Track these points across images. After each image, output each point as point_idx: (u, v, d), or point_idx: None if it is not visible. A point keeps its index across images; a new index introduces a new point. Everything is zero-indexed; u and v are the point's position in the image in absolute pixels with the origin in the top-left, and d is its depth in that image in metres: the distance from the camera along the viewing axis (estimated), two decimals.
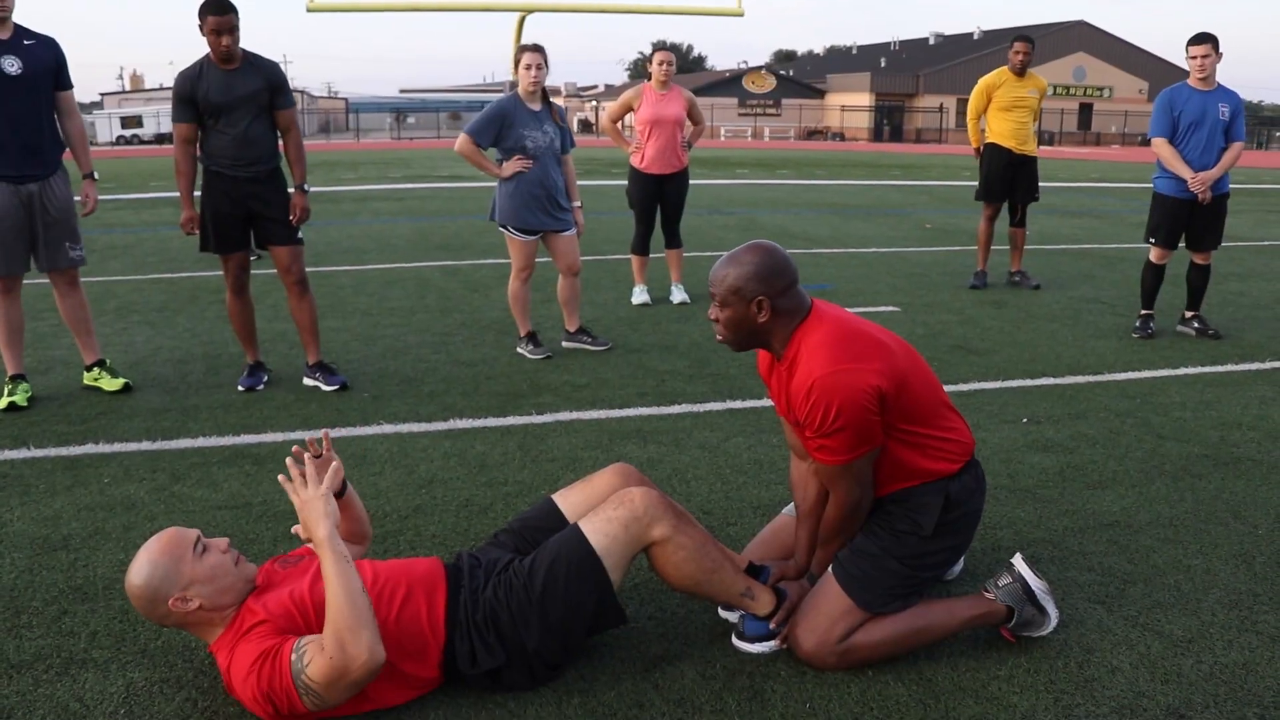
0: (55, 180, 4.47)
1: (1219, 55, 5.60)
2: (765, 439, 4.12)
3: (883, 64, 63.16)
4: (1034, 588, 2.48)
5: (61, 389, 4.80)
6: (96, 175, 4.77)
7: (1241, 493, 3.57)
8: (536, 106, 5.20)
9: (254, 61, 4.45)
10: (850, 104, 57.29)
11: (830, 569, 2.49)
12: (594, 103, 69.43)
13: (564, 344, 5.70)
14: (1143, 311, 6.15)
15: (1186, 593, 2.82)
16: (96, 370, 4.76)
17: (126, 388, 4.74)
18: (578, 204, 5.47)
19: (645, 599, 2.75)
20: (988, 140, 7.51)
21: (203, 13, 4.27)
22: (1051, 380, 5.06)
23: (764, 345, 2.43)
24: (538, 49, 5.15)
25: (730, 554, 2.53)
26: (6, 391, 4.48)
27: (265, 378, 4.89)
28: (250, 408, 4.52)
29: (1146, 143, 6.41)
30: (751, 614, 2.49)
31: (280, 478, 2.25)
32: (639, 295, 7.00)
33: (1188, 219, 5.83)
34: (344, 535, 2.52)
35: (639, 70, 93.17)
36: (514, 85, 5.31)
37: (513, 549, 2.54)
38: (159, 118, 50.20)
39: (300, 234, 4.69)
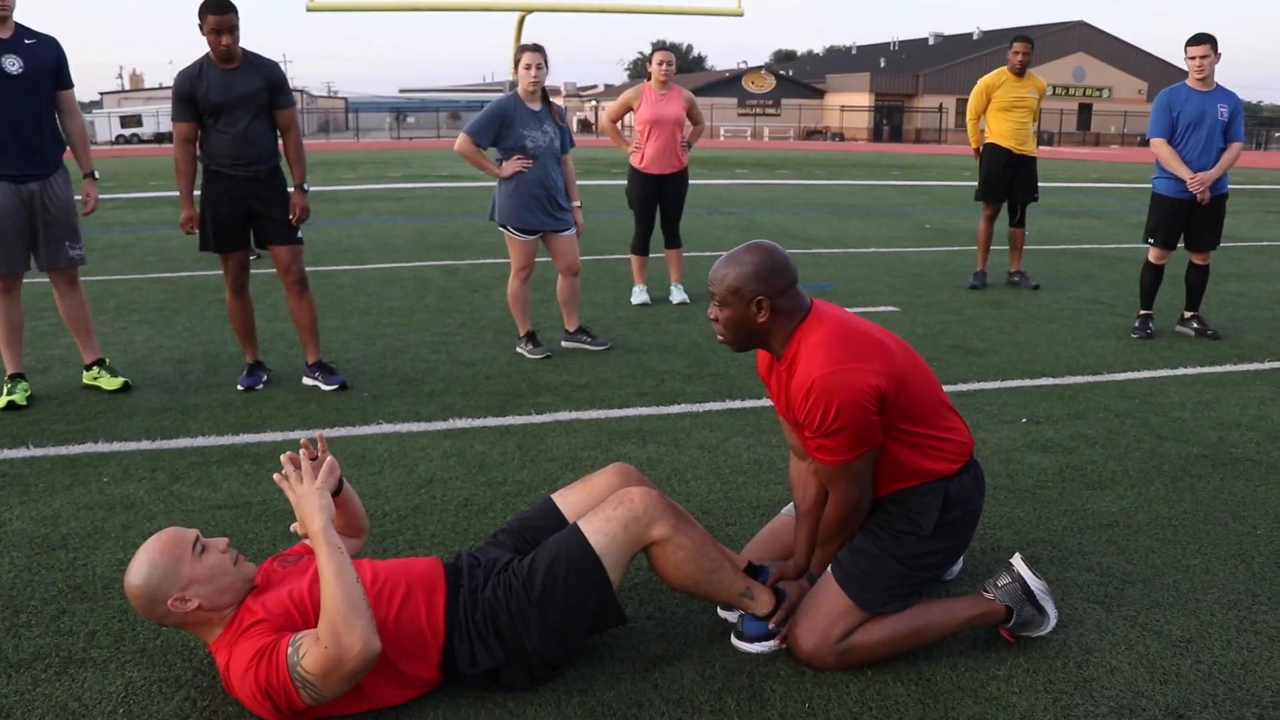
0: (56, 179, 4.47)
1: (1218, 56, 5.60)
2: (764, 439, 4.12)
3: (882, 64, 63.17)
4: (1033, 588, 2.48)
5: (61, 388, 4.79)
6: (97, 174, 4.77)
7: (1240, 493, 3.57)
8: (536, 106, 5.20)
9: (254, 61, 4.45)
10: (850, 104, 57.30)
11: (829, 569, 2.50)
12: (593, 103, 69.44)
13: (563, 344, 5.70)
14: (1142, 312, 6.15)
15: (1185, 593, 2.82)
16: (96, 369, 4.76)
17: (126, 387, 4.74)
18: (577, 204, 5.47)
19: (644, 599, 2.75)
20: (987, 140, 7.51)
21: (202, 12, 4.27)
22: (1051, 380, 5.07)
23: (763, 345, 2.43)
24: (538, 49, 5.15)
25: (729, 554, 2.53)
26: (6, 390, 4.47)
27: (264, 377, 4.89)
28: (249, 407, 4.52)
29: (1145, 143, 6.40)
30: (751, 614, 2.49)
31: (276, 476, 2.26)
32: (638, 295, 7.00)
33: (1186, 219, 5.83)
34: (340, 529, 2.53)
35: (639, 70, 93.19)
36: (514, 85, 5.31)
37: (512, 549, 2.54)
38: (158, 117, 50.18)
39: (300, 233, 4.69)
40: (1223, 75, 5.83)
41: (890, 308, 6.88)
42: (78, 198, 4.61)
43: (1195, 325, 6.10)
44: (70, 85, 4.52)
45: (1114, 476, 3.72)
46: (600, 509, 2.37)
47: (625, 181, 6.99)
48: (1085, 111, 56.75)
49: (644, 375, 5.10)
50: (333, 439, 4.08)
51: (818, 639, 2.38)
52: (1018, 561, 2.53)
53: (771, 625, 2.48)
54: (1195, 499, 3.51)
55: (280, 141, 4.64)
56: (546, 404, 4.60)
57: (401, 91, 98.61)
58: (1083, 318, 6.63)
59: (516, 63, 5.19)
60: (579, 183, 5.90)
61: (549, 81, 5.35)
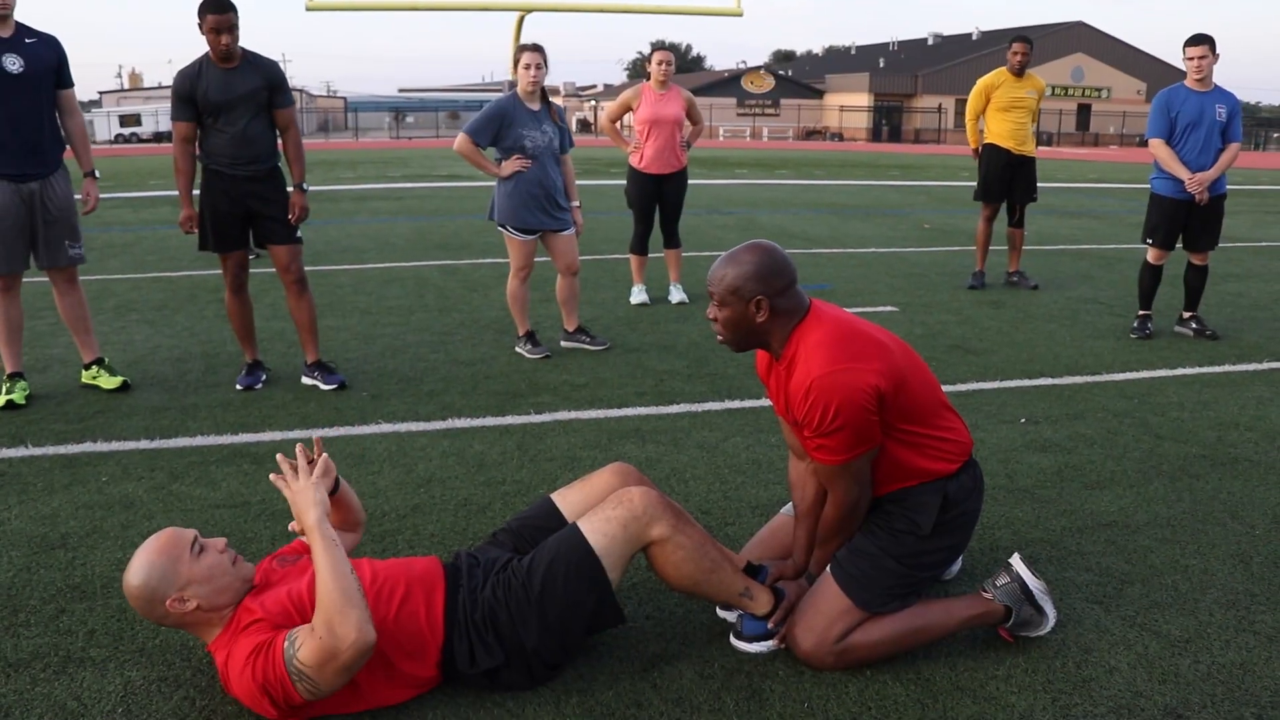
0: (56, 179, 4.47)
1: (1216, 56, 5.61)
2: (763, 439, 4.12)
3: (881, 64, 63.17)
4: (1032, 587, 2.48)
5: (60, 387, 4.79)
6: (98, 173, 4.77)
7: (1239, 493, 3.58)
8: (535, 106, 5.20)
9: (253, 60, 4.45)
10: (849, 104, 57.31)
11: (828, 569, 2.50)
12: (593, 102, 69.43)
13: (562, 343, 5.70)
14: (1140, 312, 6.15)
15: (1184, 593, 2.82)
16: (95, 368, 4.76)
17: (125, 386, 4.74)
18: (576, 204, 5.47)
19: (644, 598, 2.75)
20: (986, 141, 7.51)
21: (202, 11, 4.27)
22: (1049, 380, 5.07)
23: (763, 345, 2.43)
24: (537, 49, 5.15)
25: (728, 554, 2.53)
26: (5, 390, 4.47)
27: (264, 376, 4.89)
28: (249, 406, 4.52)
29: (1144, 143, 6.40)
30: (750, 613, 2.49)
31: (272, 475, 2.26)
32: (637, 295, 7.00)
33: (1185, 219, 5.84)
34: (336, 525, 2.53)
35: (638, 70, 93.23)
36: (513, 85, 5.31)
37: (511, 548, 2.54)
38: (157, 116, 50.16)
39: (299, 233, 4.69)
40: (1221, 76, 5.86)
41: (889, 308, 6.89)
42: (78, 197, 4.61)
43: (1194, 325, 6.10)
44: (71, 84, 4.52)
45: (1113, 476, 3.73)
46: (599, 509, 2.37)
47: (624, 181, 6.99)
48: (1084, 112, 56.77)
49: (643, 375, 5.10)
50: (332, 438, 4.09)
51: (816, 639, 2.39)
52: (1016, 561, 2.53)
53: (770, 625, 2.48)
54: (1194, 499, 3.51)
55: (279, 141, 4.64)
56: (546, 403, 4.60)
57: (400, 91, 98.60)
58: (1081, 318, 6.63)
59: (516, 62, 5.19)
60: (578, 183, 5.90)
61: (548, 81, 5.35)
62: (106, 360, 4.84)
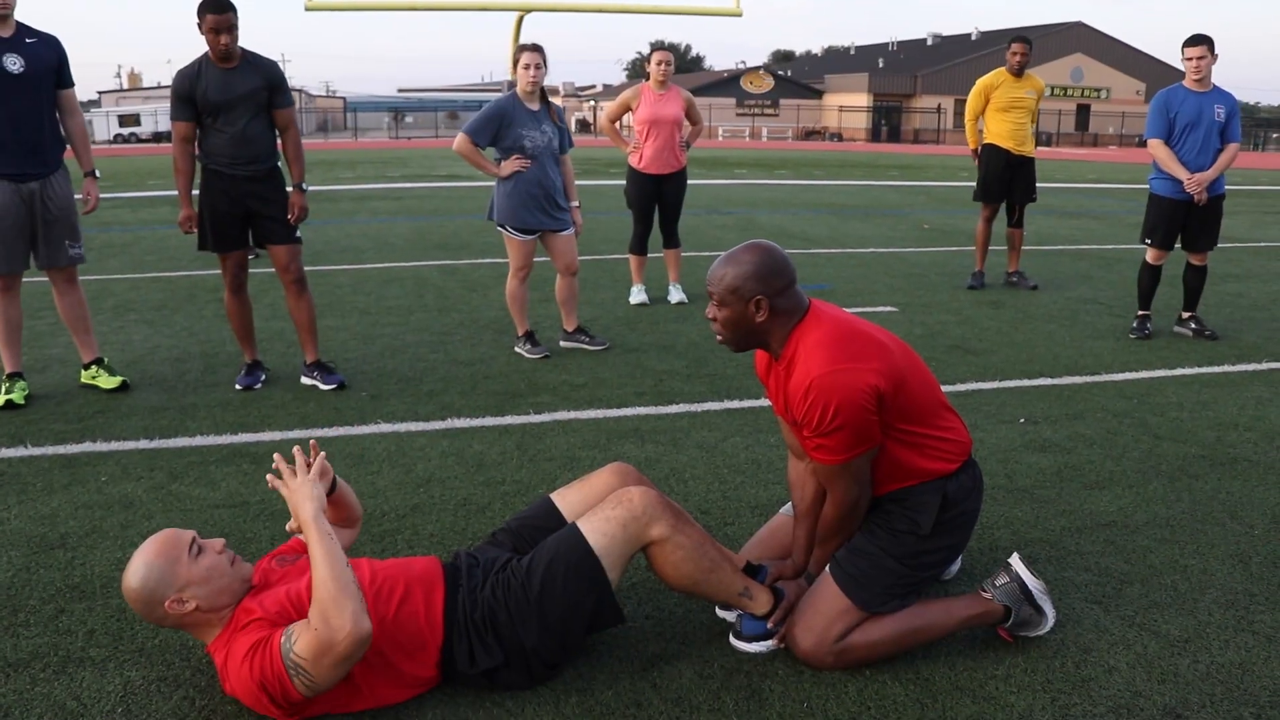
0: (56, 178, 4.47)
1: (1214, 57, 5.61)
2: (763, 439, 4.12)
3: (881, 64, 63.18)
4: (1031, 587, 2.48)
5: (59, 387, 4.79)
6: (98, 173, 4.77)
7: (1238, 493, 3.58)
8: (535, 106, 5.20)
9: (252, 60, 4.45)
10: (848, 104, 57.31)
11: (828, 568, 2.50)
12: (592, 102, 69.44)
13: (562, 343, 5.70)
14: (1140, 312, 6.16)
15: (1183, 593, 2.82)
16: (94, 368, 4.76)
17: (124, 386, 4.74)
18: (576, 204, 5.47)
19: (643, 598, 2.75)
20: (985, 141, 7.52)
21: (201, 11, 4.27)
22: (1049, 380, 5.07)
23: (762, 345, 2.44)
24: (537, 48, 5.15)
25: (728, 553, 2.54)
26: (4, 389, 4.47)
27: (263, 376, 4.89)
28: (248, 406, 4.51)
29: (1143, 144, 6.40)
30: (749, 613, 2.49)
31: (269, 477, 2.27)
32: (637, 295, 7.00)
33: (1184, 220, 5.84)
34: (334, 522, 2.54)
35: (637, 70, 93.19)
36: (512, 85, 5.31)
37: (511, 548, 2.54)
38: (156, 116, 50.14)
39: (298, 233, 4.69)
40: (1220, 76, 5.87)
41: (889, 308, 6.89)
42: (78, 196, 4.61)
43: (1193, 326, 6.11)
44: (71, 84, 4.52)
45: (1112, 476, 3.73)
46: (599, 509, 2.37)
47: (624, 181, 6.99)
48: (1083, 112, 56.79)
49: (642, 375, 5.10)
50: (331, 438, 4.09)
51: (816, 638, 2.39)
52: (1016, 561, 2.53)
53: (770, 625, 2.48)
54: (1193, 499, 3.51)
55: (279, 141, 4.64)
56: (545, 403, 4.60)
57: (400, 91, 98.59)
58: (1081, 318, 6.63)
59: (515, 62, 5.19)
60: (577, 183, 5.90)
61: (547, 81, 5.35)
62: (106, 360, 4.84)
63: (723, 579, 2.43)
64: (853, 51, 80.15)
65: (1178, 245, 5.97)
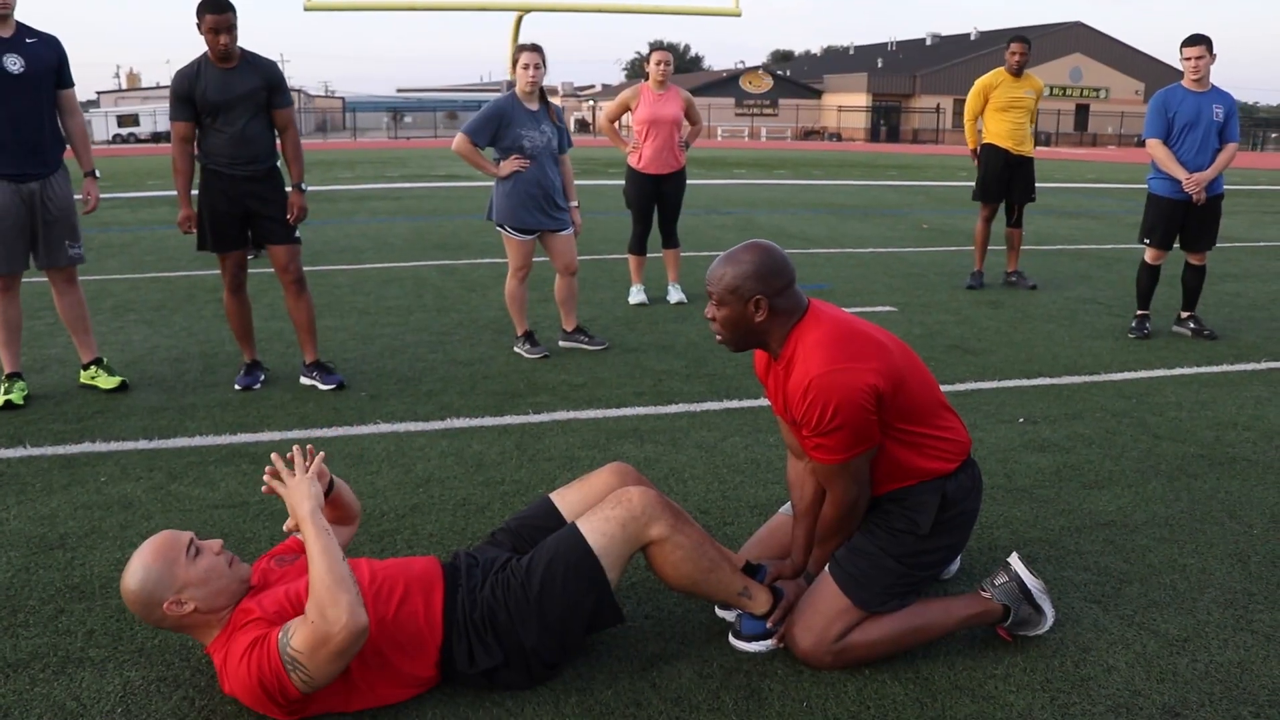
0: (56, 178, 4.47)
1: (1212, 57, 5.62)
2: (762, 438, 4.12)
3: (880, 64, 63.18)
4: (1030, 587, 2.48)
5: (58, 387, 4.79)
6: (98, 173, 4.77)
7: (1237, 492, 3.58)
8: (534, 106, 5.20)
9: (252, 60, 4.45)
10: (847, 104, 57.32)
11: (827, 568, 2.50)
12: (591, 102, 69.43)
13: (561, 343, 5.70)
14: (1138, 312, 6.16)
15: (1182, 592, 2.83)
16: (93, 368, 4.75)
17: (123, 386, 4.74)
18: (575, 204, 5.47)
19: (642, 598, 2.75)
20: (985, 141, 7.52)
21: (200, 11, 4.27)
22: (1048, 380, 5.07)
23: (761, 344, 2.44)
24: (536, 48, 5.15)
25: (727, 553, 2.54)
26: (3, 390, 4.47)
27: (262, 377, 4.89)
28: (247, 407, 4.51)
29: (1142, 144, 6.40)
30: (749, 613, 2.49)
31: (266, 473, 2.27)
32: (636, 295, 7.00)
33: (1182, 220, 5.85)
34: (332, 520, 2.54)
35: (636, 70, 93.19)
36: (511, 85, 5.31)
37: (510, 548, 2.55)
38: (155, 116, 50.12)
39: (298, 233, 4.69)
40: (1219, 76, 5.87)
41: (888, 308, 6.89)
42: (78, 197, 4.61)
43: (1192, 325, 6.11)
44: (71, 84, 4.52)
45: (1111, 476, 3.73)
46: (598, 508, 2.37)
47: (623, 181, 6.99)
48: (1082, 112, 56.81)
49: (641, 375, 5.10)
50: (330, 439, 4.09)
51: (815, 638, 2.39)
52: (1015, 561, 2.54)
53: (769, 624, 2.48)
54: (1192, 498, 3.52)
55: (278, 141, 4.64)
56: (544, 403, 4.60)
57: (399, 91, 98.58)
58: (1080, 318, 6.64)
59: (514, 62, 5.19)
60: (577, 183, 5.90)
61: (546, 81, 5.35)
62: (105, 360, 4.84)
63: (722, 578, 2.43)
64: (852, 51, 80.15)
65: (1176, 245, 5.98)
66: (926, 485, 2.45)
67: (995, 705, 2.29)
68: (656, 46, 7.03)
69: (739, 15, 25.12)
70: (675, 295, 7.03)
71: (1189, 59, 5.63)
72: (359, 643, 2.06)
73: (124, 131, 51.29)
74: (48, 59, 4.34)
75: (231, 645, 2.15)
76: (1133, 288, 6.63)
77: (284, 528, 2.28)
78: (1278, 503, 3.49)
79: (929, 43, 68.83)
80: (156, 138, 49.09)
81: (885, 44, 74.62)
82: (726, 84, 59.45)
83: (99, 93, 72.65)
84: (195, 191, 4.56)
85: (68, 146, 4.56)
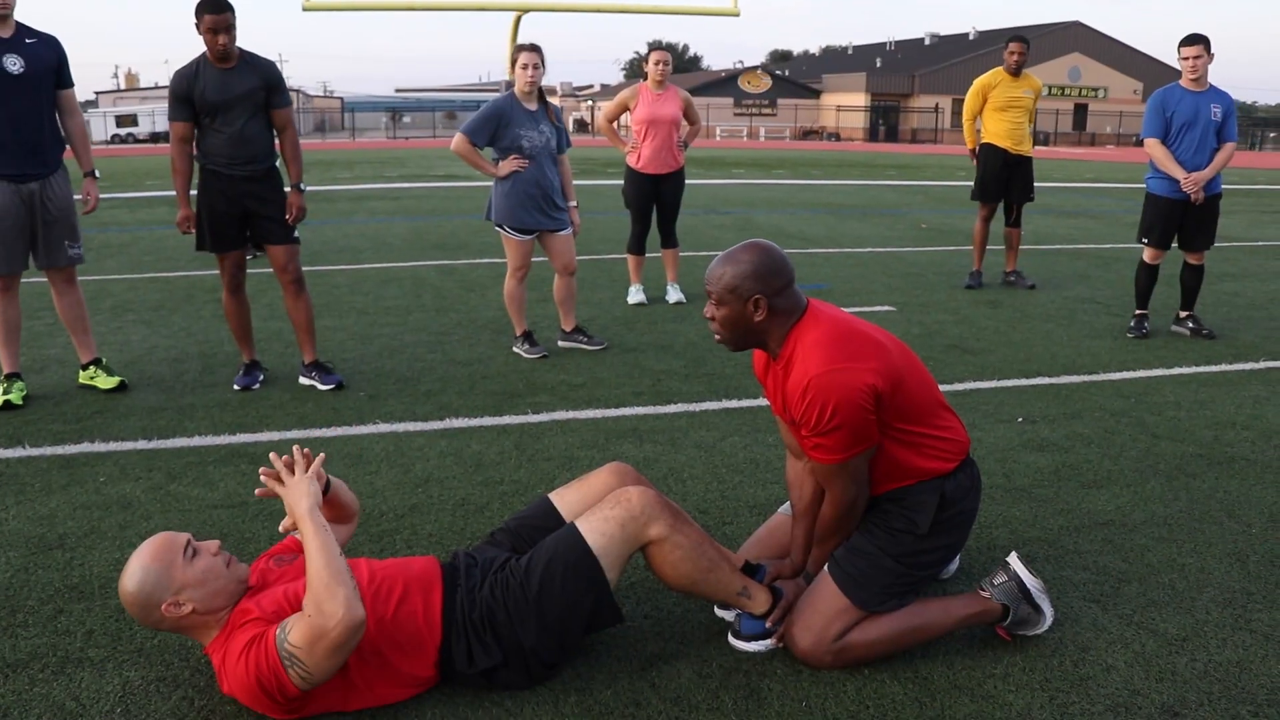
0: (56, 179, 4.47)
1: (1210, 56, 5.62)
2: (761, 438, 4.12)
3: (878, 64, 63.20)
4: (1029, 586, 2.49)
5: (57, 388, 4.79)
6: (98, 173, 4.77)
7: (1235, 492, 3.58)
8: (533, 106, 5.20)
9: (250, 60, 4.45)
10: (846, 104, 57.33)
11: (826, 567, 2.50)
12: (590, 102, 69.42)
13: (560, 343, 5.70)
14: (1137, 311, 6.17)
15: (1181, 591, 2.83)
16: (92, 369, 4.75)
17: (122, 386, 4.73)
18: (574, 204, 5.47)
19: (642, 598, 2.76)
20: (983, 140, 7.52)
21: (199, 12, 4.27)
22: (1047, 380, 5.08)
23: (760, 344, 2.44)
24: (535, 48, 5.15)
25: (726, 553, 2.54)
26: (2, 390, 4.47)
27: (261, 377, 4.89)
28: (246, 407, 4.51)
29: (1140, 143, 6.41)
30: (748, 613, 2.49)
31: (263, 472, 2.27)
32: (635, 295, 7.00)
33: (1180, 219, 5.85)
34: (330, 519, 2.53)
35: (635, 70, 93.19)
36: (510, 85, 5.32)
37: (509, 548, 2.55)
38: (154, 116, 50.09)
39: (296, 233, 4.69)
40: (1217, 76, 5.88)
41: (886, 307, 6.89)
42: (78, 197, 4.60)
43: (1190, 325, 6.12)
44: (71, 84, 4.52)
45: (1110, 476, 3.73)
46: (597, 508, 2.37)
47: (621, 181, 6.99)
48: (1081, 112, 56.83)
49: (640, 375, 5.10)
50: (329, 439, 4.09)
51: (814, 638, 2.39)
52: (1014, 560, 2.54)
53: (769, 624, 2.48)
54: (1190, 498, 3.52)
55: (277, 141, 4.64)
56: (543, 403, 4.60)
57: (397, 91, 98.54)
58: (1078, 317, 6.64)
59: (513, 62, 5.19)
60: (575, 183, 5.90)
61: (545, 81, 5.35)
62: (104, 360, 4.84)
63: (721, 578, 2.43)
64: (850, 51, 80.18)
65: (1175, 244, 5.98)
66: (925, 485, 2.45)
67: (994, 705, 2.29)
68: (655, 46, 7.03)
69: (737, 15, 25.11)
70: (674, 295, 7.03)
71: (1187, 58, 5.64)
72: (356, 637, 2.06)
73: (123, 132, 51.26)
74: (47, 59, 4.34)
75: (230, 645, 2.15)
76: (1131, 287, 6.64)
77: (280, 528, 2.29)
78: (1276, 502, 3.49)
79: (927, 42, 68.84)
80: (155, 138, 49.08)
81: (884, 44, 74.62)
82: (725, 84, 59.45)
83: (97, 93, 72.62)
84: (194, 192, 4.56)
85: (67, 147, 4.56)
